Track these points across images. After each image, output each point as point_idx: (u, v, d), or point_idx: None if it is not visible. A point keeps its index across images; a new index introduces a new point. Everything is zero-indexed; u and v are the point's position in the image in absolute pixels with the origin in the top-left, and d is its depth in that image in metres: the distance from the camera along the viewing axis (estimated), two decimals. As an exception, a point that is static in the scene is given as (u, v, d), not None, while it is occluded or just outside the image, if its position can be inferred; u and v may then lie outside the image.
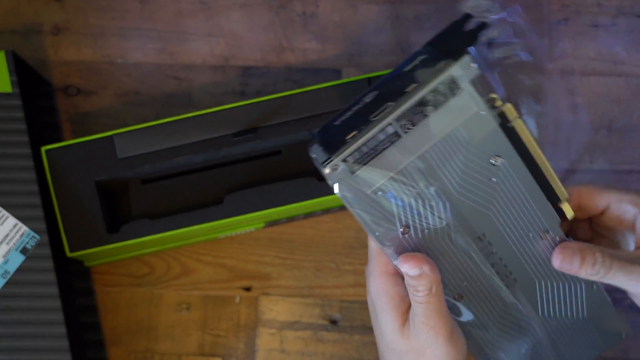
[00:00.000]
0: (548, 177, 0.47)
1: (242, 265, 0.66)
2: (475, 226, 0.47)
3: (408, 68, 0.44)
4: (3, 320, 0.58)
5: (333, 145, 0.43)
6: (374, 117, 0.43)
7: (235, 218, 0.61)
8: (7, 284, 0.59)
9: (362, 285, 0.66)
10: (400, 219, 0.45)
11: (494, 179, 0.46)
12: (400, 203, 0.45)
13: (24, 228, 0.59)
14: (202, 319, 0.65)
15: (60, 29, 0.69)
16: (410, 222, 0.46)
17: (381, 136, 0.43)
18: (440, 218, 0.46)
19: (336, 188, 0.44)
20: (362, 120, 0.44)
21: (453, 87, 0.43)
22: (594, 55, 0.68)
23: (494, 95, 0.45)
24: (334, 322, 0.65)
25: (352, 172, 0.44)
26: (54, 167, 0.60)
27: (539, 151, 0.46)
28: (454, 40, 0.45)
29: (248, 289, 0.66)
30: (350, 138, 0.43)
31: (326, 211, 0.65)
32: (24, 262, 0.59)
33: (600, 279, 0.47)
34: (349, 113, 0.44)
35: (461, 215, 0.46)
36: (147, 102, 0.68)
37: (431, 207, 0.45)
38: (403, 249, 0.46)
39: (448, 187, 0.45)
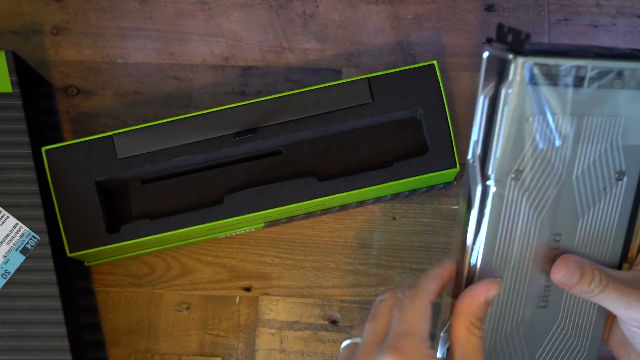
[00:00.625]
0: (635, 235, 0.47)
1: (242, 265, 0.66)
2: (564, 220, 0.47)
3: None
4: (3, 320, 0.58)
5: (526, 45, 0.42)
6: (576, 51, 0.43)
7: (235, 218, 0.61)
8: (7, 284, 0.59)
9: (362, 285, 0.66)
10: (521, 161, 0.44)
11: (605, 189, 0.46)
12: (534, 142, 0.44)
13: (24, 228, 0.59)
14: (202, 319, 0.65)
15: (61, 29, 0.69)
16: (527, 169, 0.44)
17: (573, 71, 0.43)
18: (548, 194, 0.45)
19: (511, 86, 0.42)
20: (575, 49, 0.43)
21: None
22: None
23: None
24: (334, 322, 0.66)
25: (531, 80, 0.42)
26: (54, 167, 0.60)
27: None
28: None
29: (248, 289, 0.66)
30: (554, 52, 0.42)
31: (326, 211, 0.65)
32: (24, 262, 0.59)
33: (592, 298, 0.47)
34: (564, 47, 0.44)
35: (563, 199, 0.46)
36: (147, 102, 0.68)
37: (551, 174, 0.45)
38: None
39: (574, 162, 0.45)
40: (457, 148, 0.62)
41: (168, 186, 0.63)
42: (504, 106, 0.42)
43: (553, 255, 0.47)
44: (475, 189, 0.44)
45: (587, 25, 0.69)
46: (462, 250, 0.46)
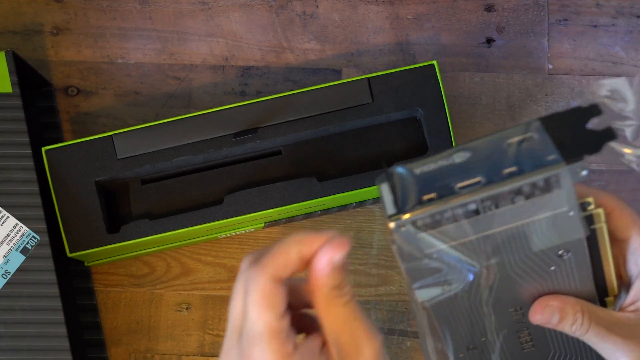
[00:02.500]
0: (606, 274, 0.46)
1: (242, 265, 0.66)
2: (517, 299, 0.45)
3: (511, 141, 0.40)
4: (3, 320, 0.58)
5: (405, 200, 0.40)
6: (460, 187, 0.40)
7: (235, 218, 0.61)
8: (7, 284, 0.59)
9: (362, 285, 0.66)
10: (444, 279, 0.44)
11: (553, 268, 0.44)
12: (449, 266, 0.43)
13: (24, 228, 0.59)
14: (202, 319, 0.65)
15: (61, 29, 0.69)
16: (454, 282, 0.44)
17: (459, 210, 0.40)
18: (484, 287, 0.44)
19: (395, 242, 0.41)
20: (445, 182, 0.40)
21: (553, 184, 0.39)
22: (594, 55, 0.68)
23: (590, 199, 0.43)
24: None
25: (416, 231, 0.40)
26: (54, 167, 0.60)
27: (609, 252, 0.45)
28: (573, 132, 0.40)
29: (248, 289, 0.66)
30: (427, 200, 0.40)
31: (326, 211, 0.65)
32: (24, 262, 0.59)
33: (577, 337, 0.46)
34: (432, 166, 0.41)
35: (506, 287, 0.45)
36: (147, 102, 0.68)
37: (479, 277, 0.44)
38: (435, 301, 0.45)
39: (505, 264, 0.43)
40: (457, 148, 0.62)
41: (168, 186, 0.63)
42: (397, 255, 0.42)
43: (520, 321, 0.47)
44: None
45: (587, 25, 0.69)
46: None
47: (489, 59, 0.68)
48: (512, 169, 0.40)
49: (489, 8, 0.69)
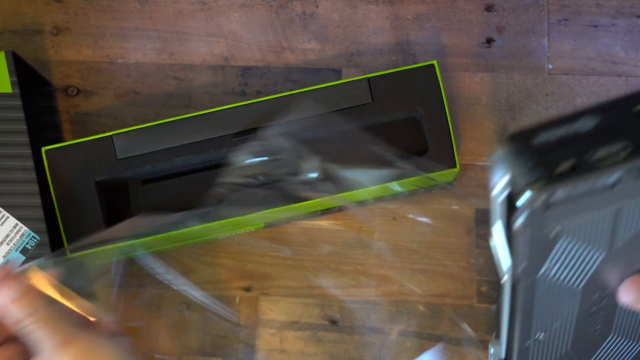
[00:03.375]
0: None
1: (242, 265, 0.66)
2: (607, 281, 0.43)
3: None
4: (3, 320, 0.58)
5: (541, 168, 0.35)
6: (601, 158, 0.35)
7: (235, 218, 0.61)
8: (7, 284, 0.59)
9: (362, 285, 0.66)
10: (551, 259, 0.40)
11: None
12: (562, 245, 0.39)
13: (24, 228, 0.59)
14: (202, 319, 0.65)
15: (61, 29, 0.69)
16: (558, 264, 0.41)
17: (599, 184, 0.36)
18: (586, 271, 0.42)
19: (521, 220, 0.37)
20: (581, 150, 0.36)
21: None
22: (594, 55, 0.68)
23: None
24: (334, 322, 0.66)
25: (546, 208, 0.36)
26: (54, 167, 0.60)
27: None
28: None
29: (248, 289, 0.66)
30: (563, 173, 0.35)
31: (326, 211, 0.65)
32: (24, 262, 0.59)
33: None
34: (561, 131, 0.36)
35: (604, 268, 0.42)
36: (147, 102, 0.68)
37: (588, 256, 0.41)
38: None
39: (616, 241, 0.40)
40: (457, 148, 0.62)
41: (168, 186, 0.63)
42: (498, 231, 0.39)
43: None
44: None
45: (587, 26, 0.69)
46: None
47: (489, 59, 0.68)
48: None
49: (489, 8, 0.69)
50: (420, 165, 0.61)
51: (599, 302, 0.45)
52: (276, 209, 0.61)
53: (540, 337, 0.46)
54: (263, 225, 0.65)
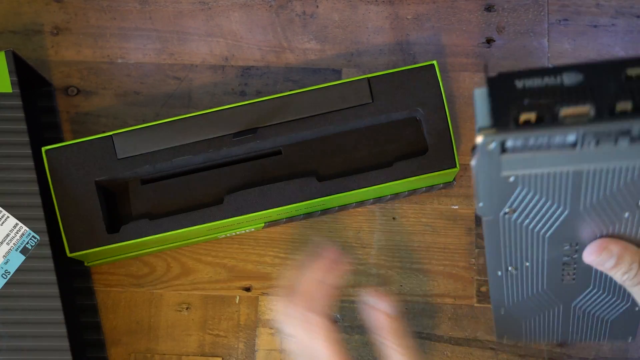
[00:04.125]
0: None
1: (242, 265, 0.66)
2: (576, 236, 0.44)
3: (633, 73, 0.37)
4: (3, 320, 0.58)
5: (502, 115, 0.36)
6: (565, 116, 0.36)
7: (235, 218, 0.61)
8: (7, 284, 0.59)
9: (362, 285, 0.66)
10: (512, 203, 0.41)
11: (627, 215, 0.42)
12: (522, 192, 0.41)
13: (24, 228, 0.59)
14: (202, 319, 0.65)
15: (61, 29, 0.69)
16: (519, 209, 0.42)
17: (557, 140, 0.37)
18: (550, 223, 0.43)
19: (475, 159, 0.38)
20: (549, 102, 0.36)
21: None
22: (594, 55, 0.68)
23: None
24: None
25: (500, 151, 0.38)
26: (54, 167, 0.60)
27: None
28: None
29: (248, 289, 0.66)
30: (525, 123, 0.36)
31: (326, 211, 0.65)
32: (24, 262, 0.59)
33: (625, 286, 0.46)
34: (538, 82, 0.37)
35: (571, 222, 0.43)
36: (147, 102, 0.68)
37: (549, 210, 0.42)
38: (492, 227, 0.44)
39: (579, 199, 0.41)
40: (457, 148, 0.62)
41: (168, 186, 0.63)
42: (473, 171, 0.40)
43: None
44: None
45: (587, 26, 0.69)
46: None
47: (489, 59, 0.68)
48: (627, 105, 0.36)
49: (489, 8, 0.69)
50: (420, 165, 0.61)
51: (571, 254, 0.46)
52: (276, 209, 0.61)
53: (512, 271, 0.48)
54: (263, 225, 0.65)
